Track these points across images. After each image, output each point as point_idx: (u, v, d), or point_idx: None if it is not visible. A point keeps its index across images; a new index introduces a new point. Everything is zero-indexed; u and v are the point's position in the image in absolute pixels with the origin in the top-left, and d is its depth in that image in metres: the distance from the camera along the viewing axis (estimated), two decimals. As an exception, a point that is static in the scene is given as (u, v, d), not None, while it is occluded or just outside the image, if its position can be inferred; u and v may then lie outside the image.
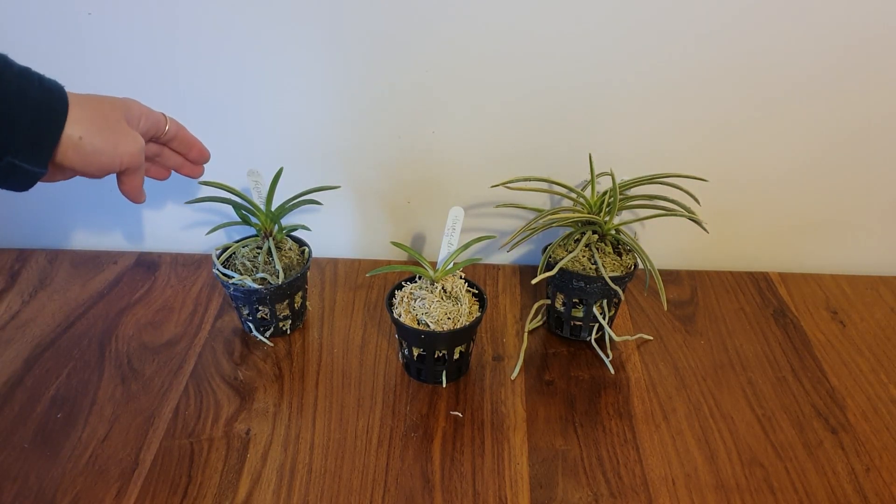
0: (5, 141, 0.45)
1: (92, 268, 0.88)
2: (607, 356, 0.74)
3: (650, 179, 0.74)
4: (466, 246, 0.71)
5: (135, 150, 0.53)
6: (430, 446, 0.64)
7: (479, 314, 0.69)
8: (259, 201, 0.73)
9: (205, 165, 0.68)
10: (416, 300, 0.69)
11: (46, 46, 0.75)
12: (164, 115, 0.61)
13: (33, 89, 0.47)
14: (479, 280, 0.87)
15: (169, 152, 0.64)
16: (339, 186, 0.80)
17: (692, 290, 0.87)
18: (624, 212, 0.78)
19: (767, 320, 0.82)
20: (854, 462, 0.63)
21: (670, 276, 0.89)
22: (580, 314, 0.75)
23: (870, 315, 0.83)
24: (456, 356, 0.69)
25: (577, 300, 0.74)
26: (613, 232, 0.73)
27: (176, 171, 0.66)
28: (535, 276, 0.70)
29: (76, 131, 0.49)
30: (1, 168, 0.46)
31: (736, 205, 0.86)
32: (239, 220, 0.75)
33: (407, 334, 0.68)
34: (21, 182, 0.48)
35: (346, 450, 0.63)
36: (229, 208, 0.74)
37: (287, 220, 0.78)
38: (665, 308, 0.72)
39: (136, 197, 0.58)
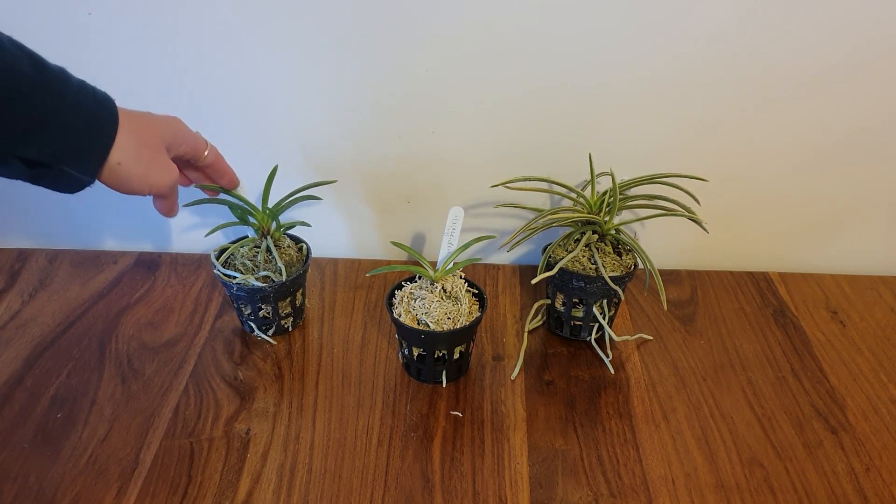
0: (60, 151, 0.47)
1: (92, 268, 0.88)
2: (607, 356, 0.74)
3: (650, 179, 0.74)
4: (466, 246, 0.71)
5: (166, 182, 0.55)
6: (430, 446, 0.64)
7: (479, 314, 0.69)
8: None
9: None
10: (416, 300, 0.69)
11: (46, 46, 0.75)
12: (205, 141, 0.62)
13: (89, 104, 0.48)
14: (479, 280, 0.87)
15: (199, 172, 0.66)
16: (335, 181, 0.80)
17: (692, 290, 0.87)
18: (624, 212, 0.78)
19: (767, 320, 0.82)
20: (854, 462, 0.63)
21: (670, 276, 0.89)
22: (580, 314, 0.75)
23: (870, 315, 0.83)
24: (456, 356, 0.69)
25: (577, 300, 0.74)
26: (613, 232, 0.73)
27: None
28: (535, 276, 0.70)
29: (116, 157, 0.50)
30: (54, 174, 0.48)
31: (736, 205, 0.86)
32: (237, 220, 0.75)
33: (407, 334, 0.68)
34: (71, 186, 0.50)
35: (346, 450, 0.63)
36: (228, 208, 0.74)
37: (288, 220, 0.78)
38: (665, 308, 0.72)
39: (166, 214, 0.60)
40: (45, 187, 0.50)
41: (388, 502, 0.59)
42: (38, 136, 0.45)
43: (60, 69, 0.47)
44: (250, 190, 0.74)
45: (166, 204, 0.59)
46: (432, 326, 0.67)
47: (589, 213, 0.73)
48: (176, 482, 0.60)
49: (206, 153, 0.62)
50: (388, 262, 0.91)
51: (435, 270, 0.70)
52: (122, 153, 0.50)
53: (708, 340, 0.78)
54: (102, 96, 0.50)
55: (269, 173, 0.74)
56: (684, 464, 0.63)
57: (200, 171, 0.65)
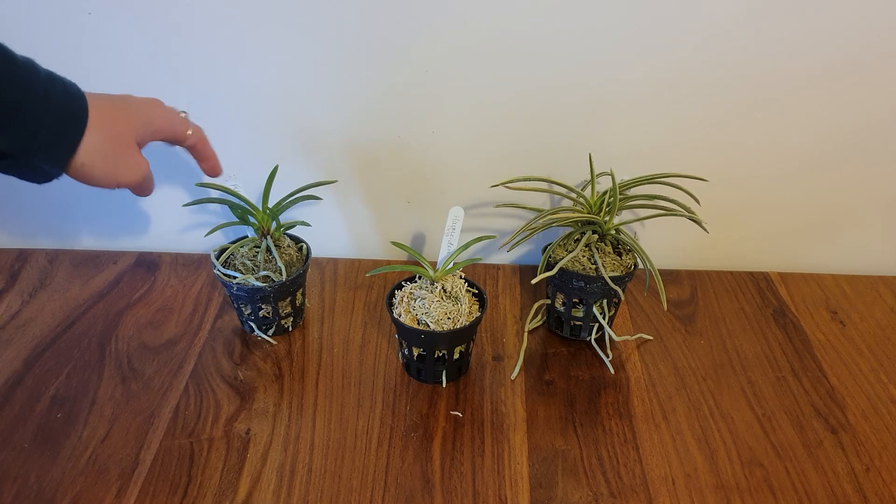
0: (29, 143, 0.46)
1: (92, 268, 0.88)
2: (607, 356, 0.74)
3: (650, 179, 0.74)
4: (466, 246, 0.71)
5: (133, 179, 0.54)
6: (430, 446, 0.64)
7: (479, 314, 0.69)
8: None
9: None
10: (416, 300, 0.69)
11: (46, 46, 0.75)
12: (188, 124, 0.60)
13: (58, 95, 0.47)
14: (479, 280, 0.87)
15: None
16: (335, 181, 0.80)
17: (692, 290, 0.87)
18: (624, 212, 0.78)
19: (767, 320, 0.82)
20: (854, 462, 0.63)
21: (670, 276, 0.89)
22: (580, 314, 0.75)
23: (870, 315, 0.83)
24: (456, 356, 0.69)
25: (577, 300, 0.74)
26: (613, 232, 0.73)
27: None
28: (535, 276, 0.70)
29: (80, 158, 0.49)
30: (21, 164, 0.47)
31: (736, 205, 0.86)
32: (237, 219, 0.75)
33: (407, 334, 0.68)
34: (38, 177, 0.49)
35: (346, 450, 0.63)
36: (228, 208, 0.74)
37: (288, 219, 0.78)
38: (665, 308, 0.73)
39: (140, 195, 0.59)
40: (14, 176, 0.49)
41: (388, 502, 0.59)
42: (7, 128, 0.45)
43: (27, 59, 0.46)
44: (251, 190, 0.74)
45: (139, 190, 0.57)
46: (432, 326, 0.67)
47: (589, 213, 0.73)
48: (176, 482, 0.60)
49: (188, 135, 0.59)
50: (388, 262, 0.91)
51: (435, 270, 0.70)
52: (87, 154, 0.49)
53: (708, 340, 0.78)
54: (73, 88, 0.49)
55: (269, 173, 0.74)
56: (684, 464, 0.63)
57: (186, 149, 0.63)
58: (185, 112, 0.61)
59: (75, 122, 0.48)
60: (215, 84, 0.78)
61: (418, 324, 0.68)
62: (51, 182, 0.51)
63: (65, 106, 0.48)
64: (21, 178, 0.49)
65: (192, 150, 0.62)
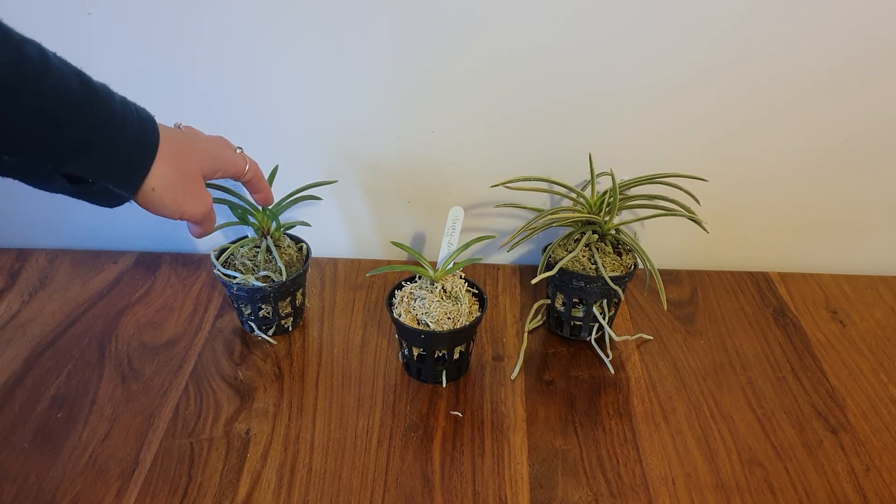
0: (104, 168, 0.46)
1: (92, 268, 0.88)
2: (607, 356, 0.74)
3: (650, 179, 0.74)
4: (466, 246, 0.71)
5: (199, 212, 0.55)
6: (430, 446, 0.64)
7: (479, 314, 0.69)
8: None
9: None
10: (416, 300, 0.69)
11: (46, 46, 0.75)
12: (245, 161, 0.61)
13: (134, 123, 0.48)
14: (479, 280, 0.87)
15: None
16: (335, 181, 0.80)
17: (692, 290, 0.87)
18: (624, 212, 0.78)
19: (767, 320, 0.82)
20: (854, 462, 0.63)
21: (670, 276, 0.89)
22: (580, 314, 0.75)
23: (870, 315, 0.83)
24: (456, 356, 0.69)
25: (577, 300, 0.74)
26: (613, 232, 0.73)
27: None
28: (535, 275, 0.70)
29: (151, 183, 0.50)
30: (96, 189, 0.48)
31: (736, 205, 0.86)
32: (237, 219, 0.75)
33: (407, 334, 0.68)
34: (111, 201, 0.50)
35: (346, 450, 0.63)
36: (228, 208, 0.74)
37: (287, 219, 0.78)
38: (665, 308, 0.72)
39: (197, 237, 0.59)
40: (87, 201, 0.49)
41: (388, 502, 0.59)
42: (85, 155, 0.45)
43: (103, 85, 0.47)
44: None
45: (199, 230, 0.58)
46: (432, 326, 0.67)
47: (589, 213, 0.73)
48: (176, 482, 0.60)
49: (245, 171, 0.61)
50: (388, 262, 0.91)
51: (435, 270, 0.70)
52: (158, 181, 0.50)
53: (708, 340, 0.78)
54: (146, 116, 0.50)
55: (269, 173, 0.74)
56: (684, 464, 0.63)
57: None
58: (240, 148, 0.62)
59: (149, 146, 0.49)
60: (214, 84, 0.78)
61: (418, 324, 0.68)
62: (122, 206, 0.51)
63: (139, 130, 0.48)
64: (93, 202, 0.50)
65: (247, 184, 0.63)
